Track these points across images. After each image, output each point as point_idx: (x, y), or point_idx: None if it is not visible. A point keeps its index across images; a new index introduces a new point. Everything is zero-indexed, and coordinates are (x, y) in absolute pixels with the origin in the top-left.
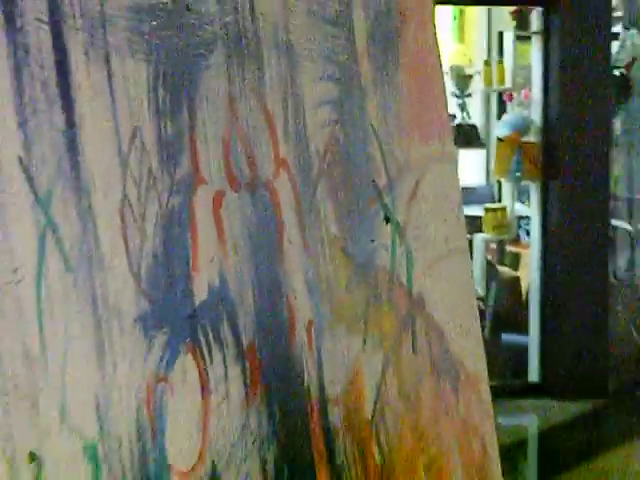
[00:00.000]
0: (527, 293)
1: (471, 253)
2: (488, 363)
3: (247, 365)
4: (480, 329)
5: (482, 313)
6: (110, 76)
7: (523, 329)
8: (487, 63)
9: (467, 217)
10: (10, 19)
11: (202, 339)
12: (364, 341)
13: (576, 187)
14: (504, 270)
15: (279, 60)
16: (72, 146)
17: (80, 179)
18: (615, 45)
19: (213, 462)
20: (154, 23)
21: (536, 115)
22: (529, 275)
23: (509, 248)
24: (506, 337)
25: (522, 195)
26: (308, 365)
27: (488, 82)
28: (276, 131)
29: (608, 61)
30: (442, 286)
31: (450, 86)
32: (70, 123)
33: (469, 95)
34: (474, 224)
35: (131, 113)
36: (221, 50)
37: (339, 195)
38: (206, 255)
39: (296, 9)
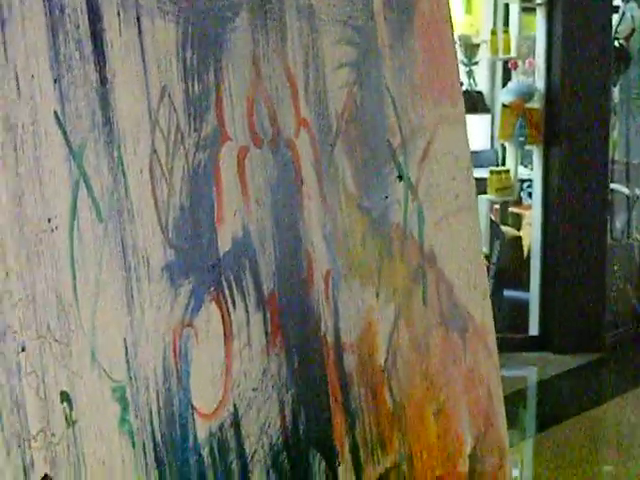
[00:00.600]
0: (528, 252)
1: None
2: None
3: (268, 313)
4: (487, 285)
5: (486, 270)
6: (141, 36)
7: (524, 286)
8: (493, 33)
9: None
10: None
11: (225, 288)
12: (377, 293)
13: (577, 152)
14: (507, 230)
15: (301, 24)
16: (105, 102)
17: (112, 134)
18: (615, 17)
19: (235, 405)
20: None
21: (539, 82)
22: (530, 235)
23: (512, 209)
24: (508, 293)
25: (525, 159)
26: (325, 314)
27: (494, 51)
28: (298, 92)
29: (609, 32)
30: (452, 241)
31: (458, 54)
32: (103, 80)
33: (476, 63)
34: (479, 186)
35: (160, 72)
36: (246, 13)
37: (356, 153)
38: (230, 208)
39: None
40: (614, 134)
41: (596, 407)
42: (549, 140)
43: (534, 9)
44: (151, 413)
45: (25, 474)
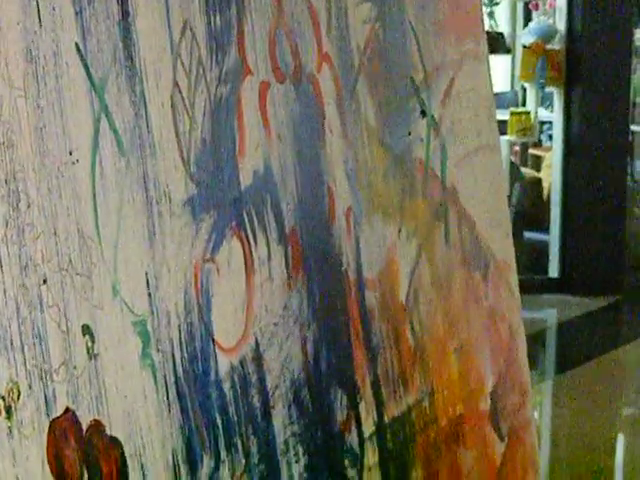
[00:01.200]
0: (548, 194)
1: None
2: None
3: (289, 248)
4: (509, 223)
5: None
6: None
7: (544, 228)
8: None
9: None
10: None
11: (247, 222)
12: (399, 229)
13: (598, 93)
14: (527, 171)
15: None
16: (126, 35)
17: (134, 67)
18: None
19: (256, 340)
20: None
21: (560, 24)
22: (550, 177)
23: (532, 151)
24: (528, 235)
25: (545, 100)
26: (346, 250)
27: None
28: (320, 27)
29: None
30: (474, 179)
31: None
32: (125, 13)
33: (497, 4)
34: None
35: (182, 5)
36: None
37: (378, 90)
38: (252, 142)
39: None
40: (635, 76)
41: (615, 349)
42: (570, 82)
43: None
44: (173, 347)
45: (47, 407)
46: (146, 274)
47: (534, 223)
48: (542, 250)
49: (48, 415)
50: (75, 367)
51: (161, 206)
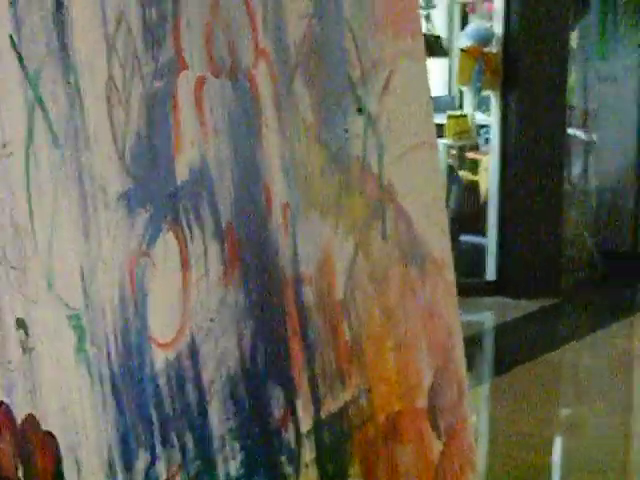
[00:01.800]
0: (485, 197)
1: None
2: None
3: (225, 243)
4: (447, 221)
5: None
6: None
7: (481, 231)
8: None
9: None
10: None
11: (183, 217)
12: (336, 226)
13: (534, 97)
14: (464, 175)
15: None
16: (61, 27)
17: (68, 59)
18: None
19: (192, 335)
20: None
21: (498, 27)
22: (487, 180)
23: (469, 154)
24: (465, 238)
25: (482, 104)
26: (283, 246)
27: None
28: (256, 22)
29: None
30: (411, 177)
31: None
32: (59, 4)
33: (434, 6)
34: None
35: None
36: None
37: (315, 85)
38: (188, 137)
39: None
40: (572, 80)
41: (552, 351)
42: (507, 85)
43: None
44: (108, 342)
45: None
46: (81, 268)
47: (471, 226)
48: (479, 253)
49: None
50: (9, 361)
51: (96, 199)
